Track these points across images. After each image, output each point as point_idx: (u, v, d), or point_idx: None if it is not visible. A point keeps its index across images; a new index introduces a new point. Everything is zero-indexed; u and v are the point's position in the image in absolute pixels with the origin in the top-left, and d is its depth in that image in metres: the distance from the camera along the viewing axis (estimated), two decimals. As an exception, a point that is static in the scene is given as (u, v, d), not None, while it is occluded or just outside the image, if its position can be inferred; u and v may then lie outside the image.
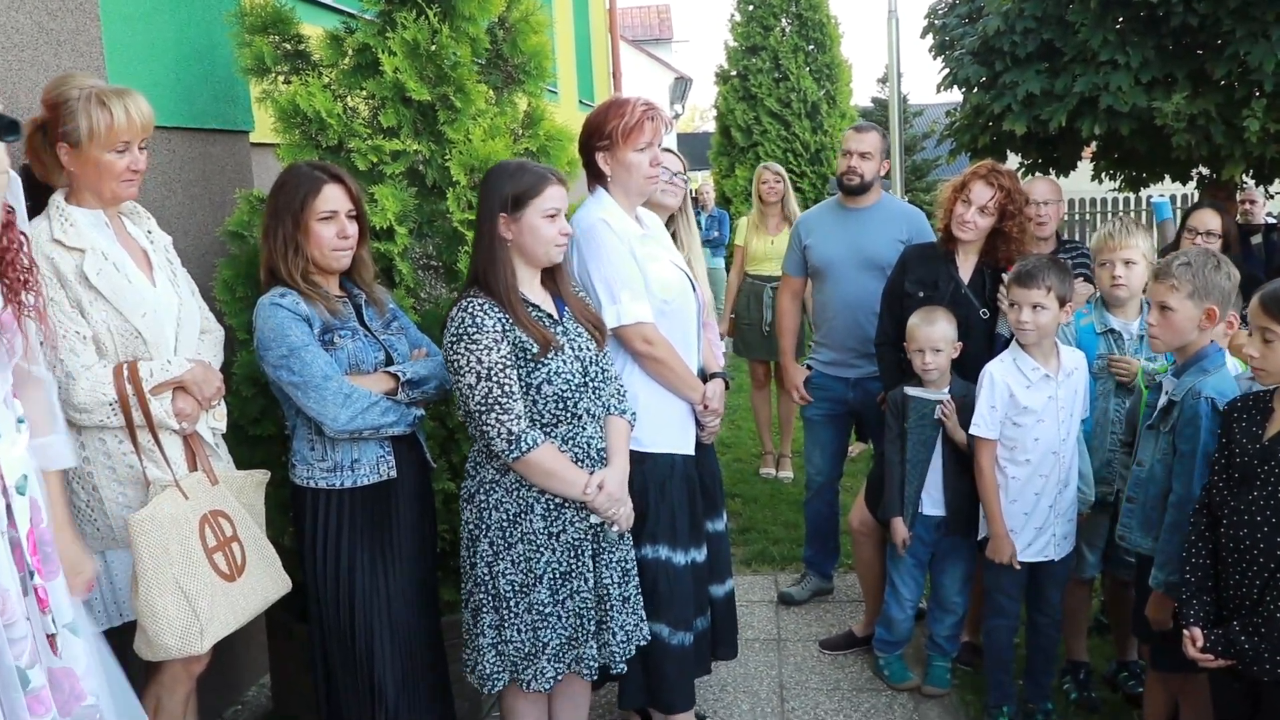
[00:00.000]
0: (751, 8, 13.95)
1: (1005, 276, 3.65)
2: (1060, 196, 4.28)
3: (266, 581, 2.89)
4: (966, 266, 3.87)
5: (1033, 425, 3.44)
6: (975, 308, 3.82)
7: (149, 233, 2.92)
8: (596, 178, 3.18)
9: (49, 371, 2.36)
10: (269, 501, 3.22)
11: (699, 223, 8.37)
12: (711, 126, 18.00)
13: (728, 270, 9.66)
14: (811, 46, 13.81)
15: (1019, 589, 3.61)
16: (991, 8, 6.66)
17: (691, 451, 3.23)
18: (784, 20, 13.87)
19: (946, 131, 7.46)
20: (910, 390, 3.79)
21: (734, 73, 13.95)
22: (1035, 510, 3.49)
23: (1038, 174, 6.96)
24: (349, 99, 3.59)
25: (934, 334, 3.70)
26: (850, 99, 14.18)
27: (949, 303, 3.79)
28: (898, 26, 10.57)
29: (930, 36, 7.56)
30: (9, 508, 2.04)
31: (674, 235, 3.64)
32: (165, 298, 2.81)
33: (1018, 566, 3.49)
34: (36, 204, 2.78)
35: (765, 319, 6.73)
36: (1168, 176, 7.09)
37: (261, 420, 3.41)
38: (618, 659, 2.90)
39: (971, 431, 3.51)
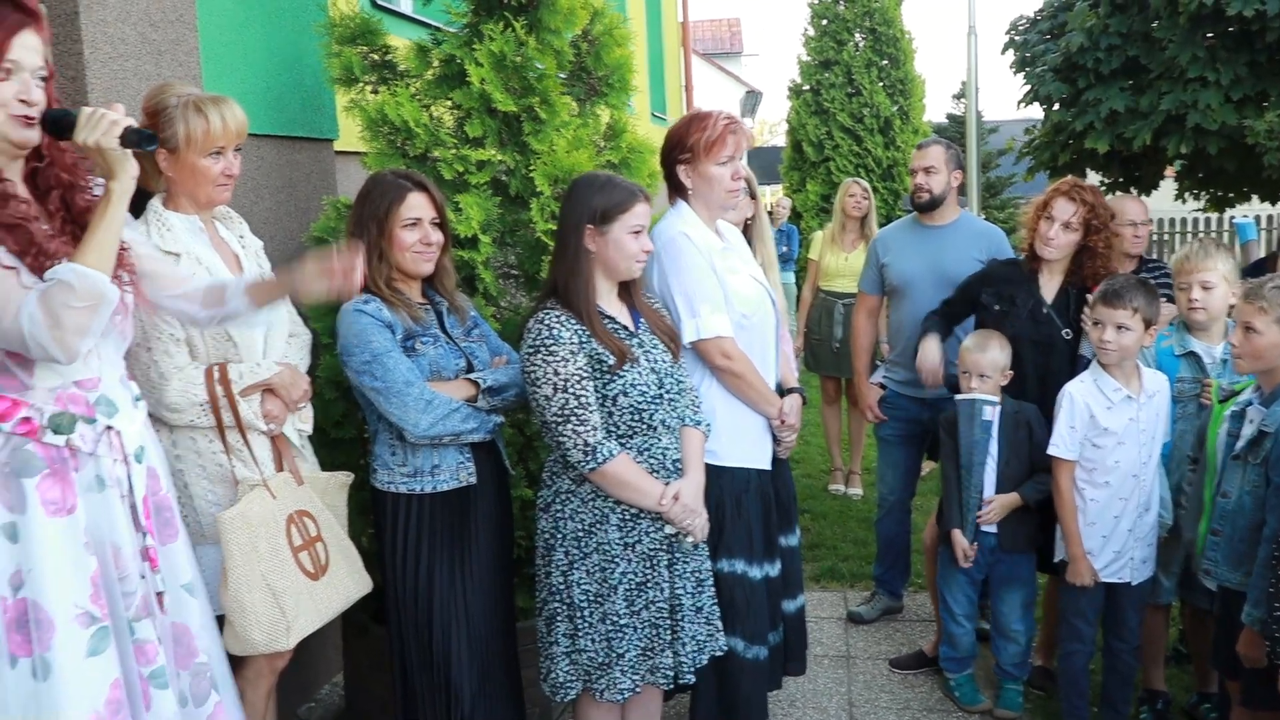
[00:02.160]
0: (825, 22, 13.91)
1: (1090, 296, 3.60)
2: (1150, 216, 4.22)
3: (348, 581, 2.94)
4: (1051, 286, 3.82)
5: (1113, 447, 3.39)
6: (1058, 327, 3.77)
7: (241, 237, 2.99)
8: (677, 190, 3.19)
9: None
10: (348, 504, 3.27)
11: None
12: (781, 140, 17.98)
13: (796, 285, 9.64)
14: (885, 61, 13.71)
15: (1096, 613, 3.55)
16: (1075, 24, 6.58)
17: (768, 466, 3.23)
18: (857, 35, 13.80)
19: (1025, 149, 7.39)
20: (959, 396, 3.76)
21: (806, 87, 13.91)
22: (1114, 534, 3.43)
23: (1119, 192, 6.85)
24: (434, 109, 3.65)
25: (983, 360, 3.67)
26: (923, 114, 14.07)
27: (1029, 320, 3.75)
28: (976, 42, 10.48)
29: (1011, 52, 7.49)
30: (129, 475, 2.25)
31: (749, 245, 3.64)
32: None
33: (1096, 582, 3.43)
34: (134, 210, 2.87)
35: (836, 335, 6.69)
36: (1256, 196, 6.95)
37: (343, 423, 3.46)
38: (687, 669, 2.90)
39: (1050, 451, 3.46)
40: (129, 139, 2.12)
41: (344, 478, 3.07)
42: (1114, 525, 3.42)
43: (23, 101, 2.07)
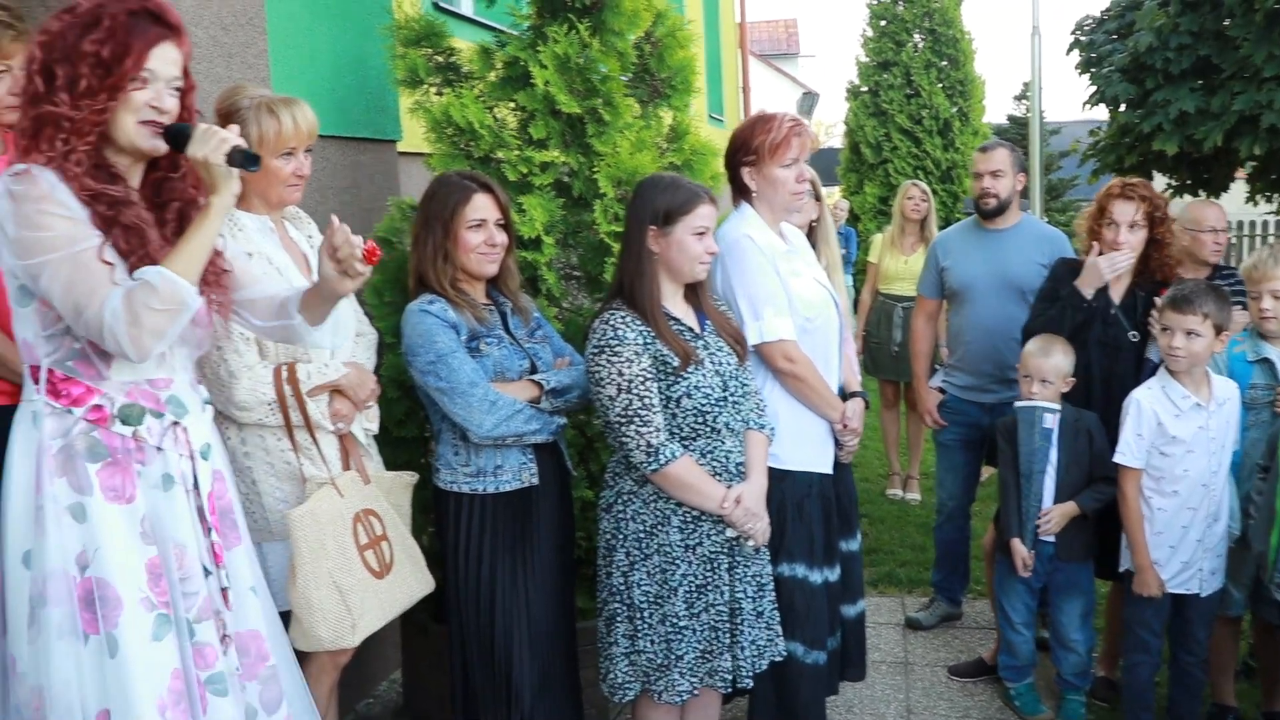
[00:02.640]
0: (884, 23, 13.79)
1: (1158, 300, 3.54)
2: (1228, 222, 4.13)
3: (412, 580, 2.96)
4: (1119, 287, 3.75)
5: (1181, 456, 3.32)
6: (1125, 330, 3.71)
7: (310, 238, 3.03)
8: (741, 192, 3.18)
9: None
10: (411, 499, 3.29)
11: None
12: (837, 142, 17.87)
13: (854, 289, 9.56)
14: (944, 62, 13.57)
15: (1162, 624, 3.48)
16: (1143, 23, 6.46)
17: (830, 470, 3.22)
18: (917, 35, 13.68)
19: (1089, 151, 7.27)
20: (1019, 403, 3.70)
21: (865, 88, 13.81)
22: (1182, 544, 3.36)
23: (1186, 195, 6.71)
24: (497, 110, 3.67)
25: (1046, 365, 3.61)
26: (983, 116, 13.90)
27: (1098, 321, 3.69)
28: (1040, 42, 10.34)
29: (1076, 53, 7.37)
30: (194, 471, 2.29)
31: (813, 247, 3.62)
32: None
33: (1163, 593, 3.37)
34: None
35: (894, 339, 6.64)
36: (1333, 199, 6.80)
37: (406, 422, 3.50)
38: (746, 673, 2.89)
39: (1116, 459, 3.40)
40: (234, 158, 2.19)
41: (409, 477, 3.10)
42: (1182, 535, 3.36)
43: (154, 108, 2.16)
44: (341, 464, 2.89)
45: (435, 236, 2.92)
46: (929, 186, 12.99)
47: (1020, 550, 3.66)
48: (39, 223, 2.06)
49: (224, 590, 2.31)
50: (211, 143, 2.16)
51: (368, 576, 2.81)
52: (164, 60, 2.18)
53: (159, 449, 2.23)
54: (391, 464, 3.44)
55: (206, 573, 2.28)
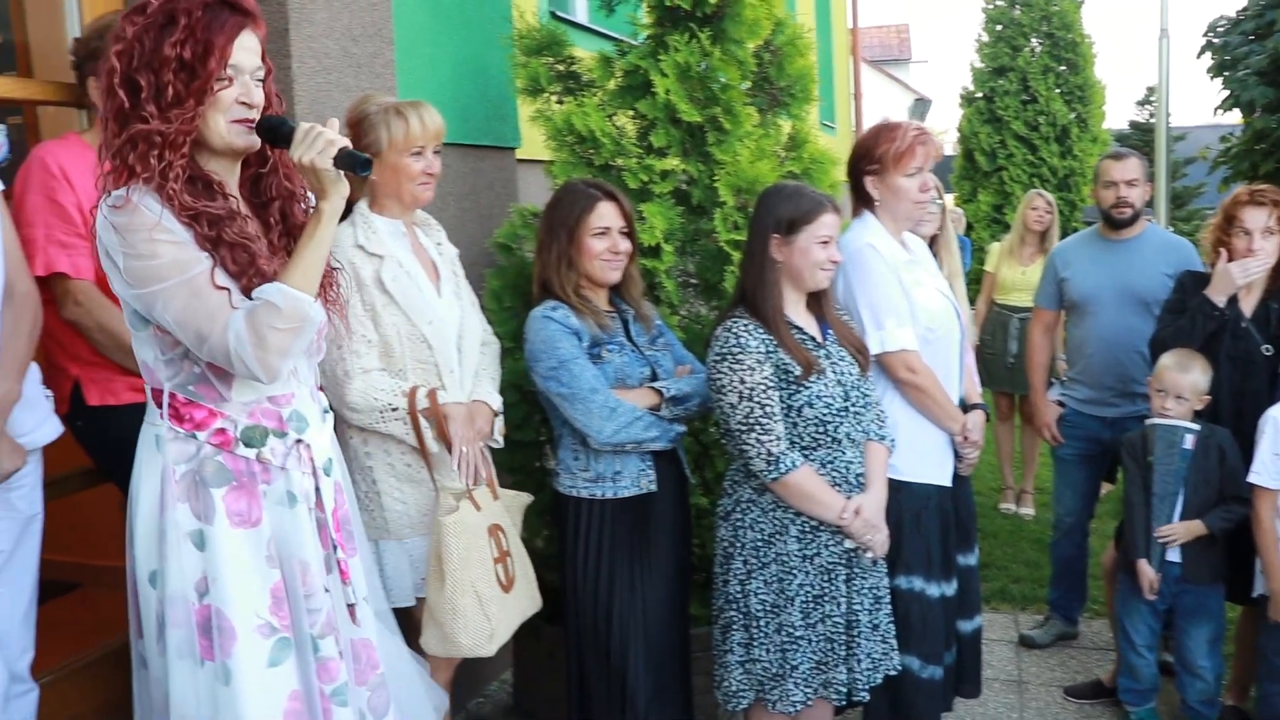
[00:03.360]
0: (1000, 28, 13.51)
1: None
2: None
3: (525, 599, 3.00)
4: (1250, 299, 3.62)
5: (1321, 477, 3.20)
6: (1257, 343, 3.58)
7: (439, 244, 3.10)
8: (864, 202, 3.16)
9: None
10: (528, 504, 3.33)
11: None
12: (949, 149, 17.54)
13: (969, 300, 9.39)
14: (1063, 67, 13.24)
15: (1299, 652, 3.35)
16: (1283, 24, 6.23)
17: (949, 483, 3.17)
18: (1034, 40, 13.37)
19: (1220, 158, 7.01)
20: (1156, 421, 3.58)
21: (979, 94, 13.55)
22: (1321, 571, 3.23)
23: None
24: (616, 118, 3.70)
25: (1183, 382, 3.49)
26: (1103, 122, 13.52)
27: (1228, 334, 3.57)
28: (1168, 45, 10.00)
29: (1208, 55, 7.11)
30: (318, 489, 2.24)
31: (934, 256, 3.58)
32: (449, 308, 2.97)
33: None
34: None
35: (1010, 350, 6.51)
36: None
37: (523, 426, 3.55)
38: (861, 686, 2.86)
39: (1250, 479, 3.29)
40: (343, 160, 2.08)
41: (526, 498, 3.14)
42: (1321, 560, 3.22)
43: (243, 104, 2.07)
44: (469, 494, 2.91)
45: (560, 243, 2.96)
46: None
47: (1147, 573, 3.55)
48: (147, 251, 1.98)
49: (351, 606, 2.29)
50: (317, 145, 2.06)
51: (498, 589, 2.85)
52: (246, 50, 2.07)
53: (283, 468, 2.18)
54: (508, 465, 3.51)
55: (326, 588, 2.23)
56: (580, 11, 5.96)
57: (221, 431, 2.12)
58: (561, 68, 3.87)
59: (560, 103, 3.81)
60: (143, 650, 2.19)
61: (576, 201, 2.97)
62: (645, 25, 3.72)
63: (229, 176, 2.16)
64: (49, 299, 2.72)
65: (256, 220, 2.19)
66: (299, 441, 2.21)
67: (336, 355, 2.78)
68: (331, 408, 2.69)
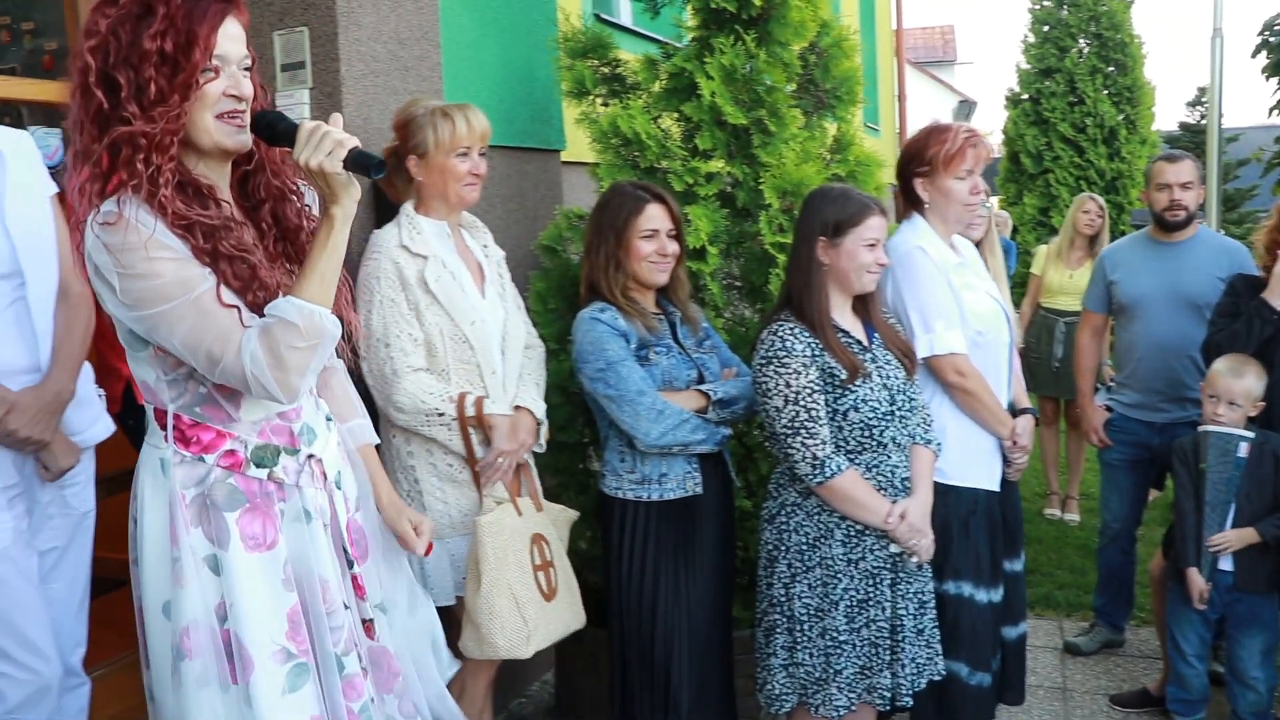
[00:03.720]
0: (1047, 28, 13.35)
1: None
2: None
3: (568, 613, 2.99)
4: None
5: (1377, 486, 3.14)
6: None
7: (484, 246, 3.11)
8: (913, 204, 3.14)
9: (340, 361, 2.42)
10: (570, 504, 3.32)
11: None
12: (995, 151, 17.37)
13: (1013, 303, 9.31)
14: (1111, 68, 13.06)
15: (1355, 665, 3.29)
16: (1338, 25, 6.11)
17: (997, 488, 3.14)
18: (1082, 41, 13.19)
19: (1275, 159, 6.89)
20: (1210, 428, 3.53)
21: (1025, 96, 13.40)
22: (1378, 580, 3.17)
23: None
24: (661, 121, 3.71)
25: (1236, 387, 3.44)
26: (1152, 124, 13.33)
27: (1276, 340, 3.52)
28: (1222, 45, 9.82)
29: (1264, 55, 6.99)
30: (331, 501, 2.15)
31: None
32: (492, 309, 2.98)
33: None
34: (386, 217, 3.04)
35: (1056, 354, 6.45)
36: None
37: (567, 428, 3.55)
38: (905, 691, 2.85)
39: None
40: (354, 162, 1.91)
41: (572, 514, 3.14)
42: (1379, 570, 3.17)
43: (232, 96, 1.91)
44: (514, 488, 2.94)
45: (608, 245, 2.97)
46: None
47: (1198, 582, 3.50)
48: (146, 270, 1.83)
49: (367, 622, 2.20)
50: (325, 146, 1.88)
51: (538, 595, 2.86)
52: (230, 39, 1.91)
53: (296, 486, 2.08)
54: (553, 467, 3.51)
55: (345, 604, 2.15)
56: (624, 14, 5.97)
57: (231, 453, 2.01)
58: (606, 70, 3.88)
59: (605, 105, 3.83)
60: (151, 683, 2.08)
61: (625, 203, 2.98)
62: (690, 28, 3.72)
63: (219, 180, 2.01)
64: None
65: (251, 226, 2.05)
66: (310, 456, 2.11)
67: (385, 354, 2.80)
68: (377, 407, 2.72)
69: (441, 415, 2.83)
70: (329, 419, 2.24)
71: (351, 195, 1.93)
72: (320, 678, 2.07)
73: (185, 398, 1.99)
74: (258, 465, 2.02)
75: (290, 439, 2.07)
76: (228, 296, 1.89)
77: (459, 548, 2.93)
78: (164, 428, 2.00)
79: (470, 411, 2.84)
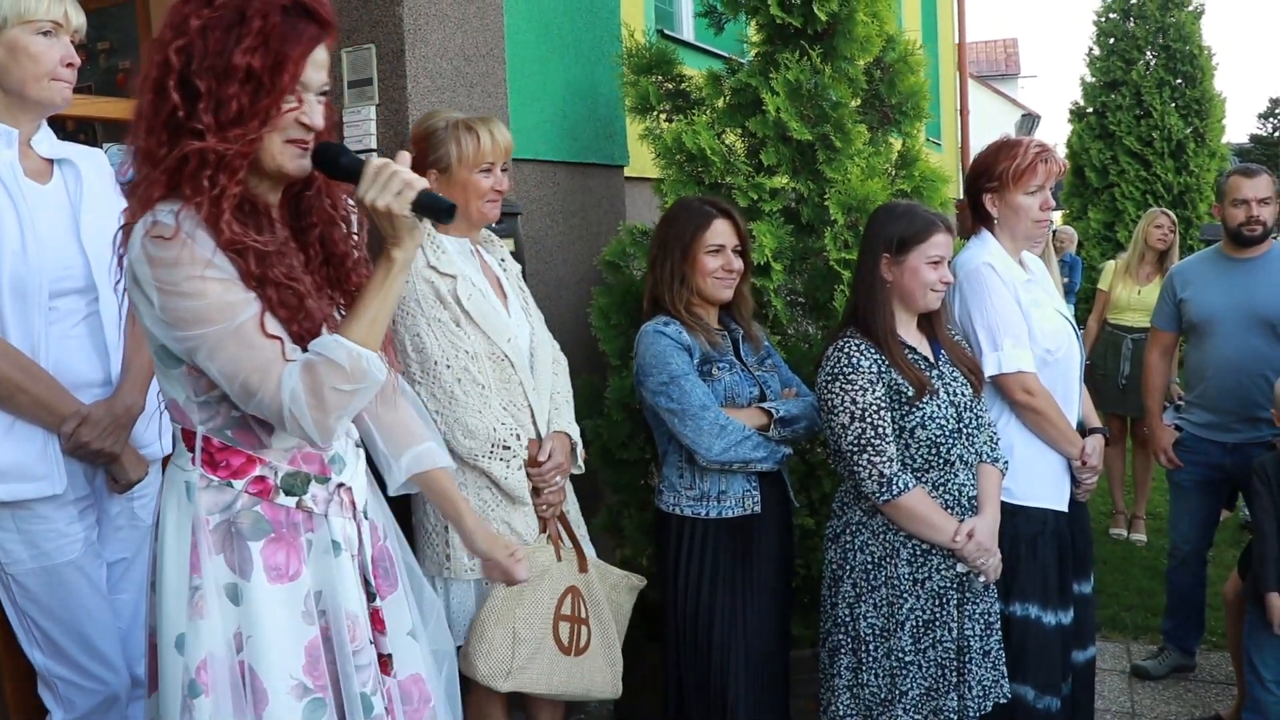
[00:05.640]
0: (1112, 40, 13.16)
1: None
2: None
3: (597, 678, 2.94)
4: None
5: None
6: None
7: (502, 261, 3.04)
8: (982, 220, 3.11)
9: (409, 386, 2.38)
10: (631, 521, 3.33)
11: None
12: (1064, 166, 17.13)
13: (1078, 321, 9.17)
14: (1179, 80, 12.83)
15: None
16: None
17: (1065, 508, 3.08)
18: (1149, 53, 12.98)
19: (1350, 174, 6.75)
20: None
21: (1090, 109, 13.21)
22: None
23: None
24: (725, 137, 3.70)
25: None
26: (1222, 136, 13.07)
27: None
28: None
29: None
30: (360, 533, 2.07)
31: None
32: (519, 325, 2.92)
33: None
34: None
35: (1123, 371, 6.34)
36: None
37: (628, 444, 3.56)
38: (971, 714, 2.80)
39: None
40: (423, 206, 1.82)
41: (637, 581, 3.10)
42: None
43: (303, 125, 1.84)
44: (555, 542, 2.90)
45: (673, 259, 2.96)
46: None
47: (1279, 606, 3.42)
48: (191, 290, 1.75)
49: (386, 657, 2.09)
50: (393, 186, 1.80)
51: (550, 643, 2.81)
52: (316, 66, 1.83)
53: (324, 516, 1.99)
54: (614, 485, 3.50)
55: (371, 640, 2.06)
56: (687, 30, 5.99)
57: (260, 480, 1.92)
58: (670, 86, 3.88)
59: (669, 121, 3.83)
60: (157, 712, 1.98)
61: (691, 218, 2.97)
62: (754, 43, 3.72)
63: (272, 198, 1.94)
64: None
65: (299, 251, 1.97)
66: (340, 485, 2.03)
67: (450, 376, 2.72)
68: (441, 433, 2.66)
69: (508, 449, 2.77)
70: (358, 445, 2.16)
71: (415, 239, 1.86)
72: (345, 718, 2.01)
73: (217, 420, 1.91)
74: (287, 493, 1.95)
75: (321, 467, 2.00)
76: (271, 326, 1.81)
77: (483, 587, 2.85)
78: (191, 450, 1.92)
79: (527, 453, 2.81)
